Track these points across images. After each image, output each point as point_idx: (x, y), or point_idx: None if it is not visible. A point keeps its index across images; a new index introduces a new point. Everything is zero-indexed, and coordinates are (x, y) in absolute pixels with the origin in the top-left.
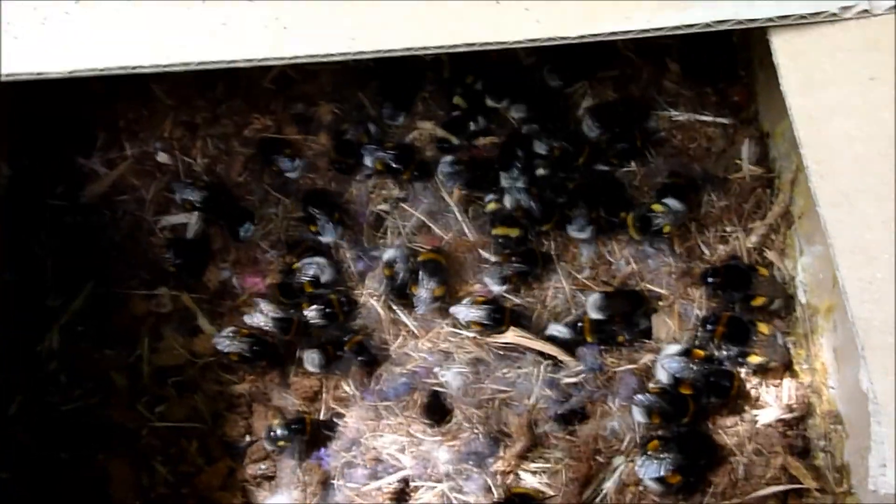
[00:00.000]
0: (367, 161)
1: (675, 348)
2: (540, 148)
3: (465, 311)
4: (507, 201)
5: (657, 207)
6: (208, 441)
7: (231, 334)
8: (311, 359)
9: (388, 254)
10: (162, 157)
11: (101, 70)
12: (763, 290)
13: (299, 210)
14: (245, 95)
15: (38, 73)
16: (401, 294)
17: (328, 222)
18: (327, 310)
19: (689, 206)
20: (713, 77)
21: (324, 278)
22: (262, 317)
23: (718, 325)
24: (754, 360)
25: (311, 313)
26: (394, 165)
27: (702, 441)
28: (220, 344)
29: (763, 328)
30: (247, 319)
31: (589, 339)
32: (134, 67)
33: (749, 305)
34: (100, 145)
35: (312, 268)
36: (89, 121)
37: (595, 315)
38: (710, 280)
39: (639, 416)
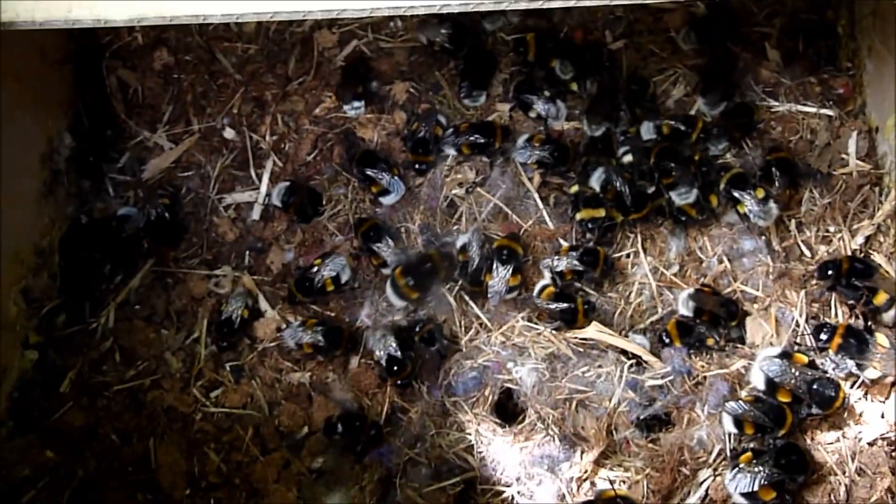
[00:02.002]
0: (451, 151)
1: (774, 350)
2: (648, 132)
3: (535, 301)
4: (595, 181)
5: (759, 193)
6: (264, 430)
7: (300, 325)
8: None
9: (462, 239)
10: (229, 134)
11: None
12: (886, 287)
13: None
14: (317, 73)
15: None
16: (474, 282)
17: (392, 177)
18: None
19: (795, 185)
20: (816, 67)
21: (344, 278)
22: (381, 350)
23: (835, 336)
24: (873, 374)
25: None
26: (481, 141)
27: (800, 456)
28: (293, 336)
29: (881, 340)
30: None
31: (677, 344)
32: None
33: (870, 302)
34: (166, 119)
35: (335, 265)
36: (156, 94)
37: (684, 311)
38: (829, 272)
39: (729, 425)
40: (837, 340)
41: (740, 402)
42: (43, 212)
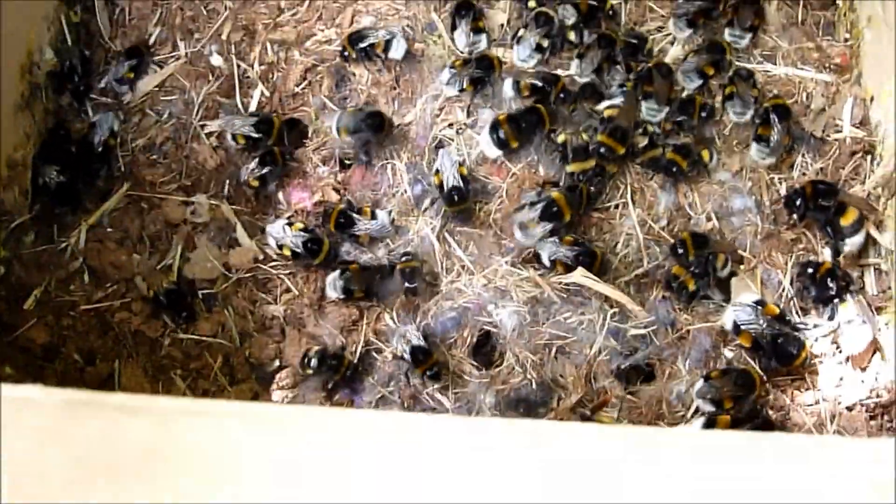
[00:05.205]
0: (452, 91)
1: (750, 297)
2: (690, 80)
3: (552, 248)
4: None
5: (764, 131)
6: (234, 361)
7: (284, 227)
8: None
9: (436, 163)
10: (216, 60)
11: None
12: (854, 202)
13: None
14: (311, 5)
15: None
16: (449, 202)
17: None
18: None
19: (790, 131)
20: (814, 35)
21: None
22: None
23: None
24: (855, 348)
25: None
26: (479, 74)
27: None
28: (275, 232)
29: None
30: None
31: (691, 257)
32: None
33: (838, 224)
34: (152, 42)
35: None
36: (144, 15)
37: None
38: (797, 200)
39: (708, 406)
40: (827, 265)
41: (709, 381)
42: (18, 124)
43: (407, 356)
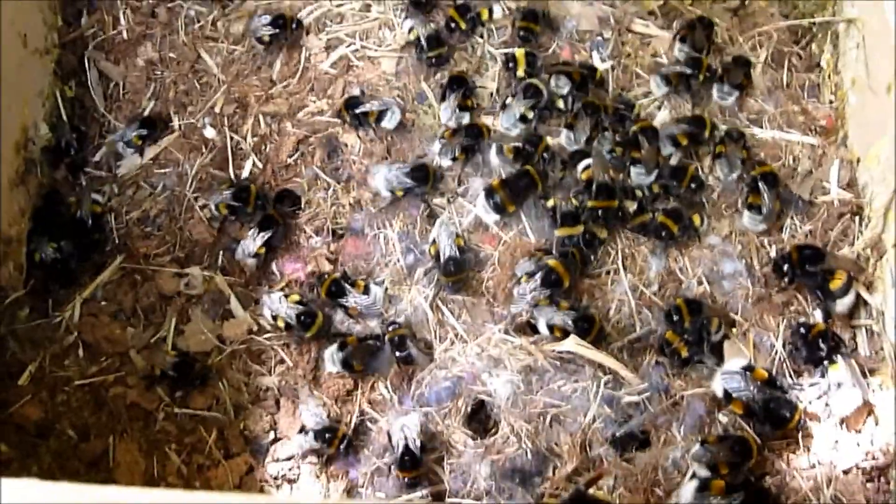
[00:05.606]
0: (445, 161)
1: (738, 363)
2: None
3: (549, 314)
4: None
5: (755, 200)
6: (228, 434)
7: (281, 298)
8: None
9: (433, 232)
10: (209, 133)
11: None
12: (842, 264)
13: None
14: (302, 77)
15: None
16: (446, 273)
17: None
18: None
19: (779, 196)
20: (799, 99)
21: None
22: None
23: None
24: (845, 410)
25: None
26: (470, 142)
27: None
28: (270, 303)
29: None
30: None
31: (687, 324)
32: None
33: (827, 288)
34: (146, 115)
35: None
36: (138, 89)
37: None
38: (784, 265)
39: (703, 471)
40: (820, 327)
41: (705, 445)
42: (13, 200)
43: (398, 451)
